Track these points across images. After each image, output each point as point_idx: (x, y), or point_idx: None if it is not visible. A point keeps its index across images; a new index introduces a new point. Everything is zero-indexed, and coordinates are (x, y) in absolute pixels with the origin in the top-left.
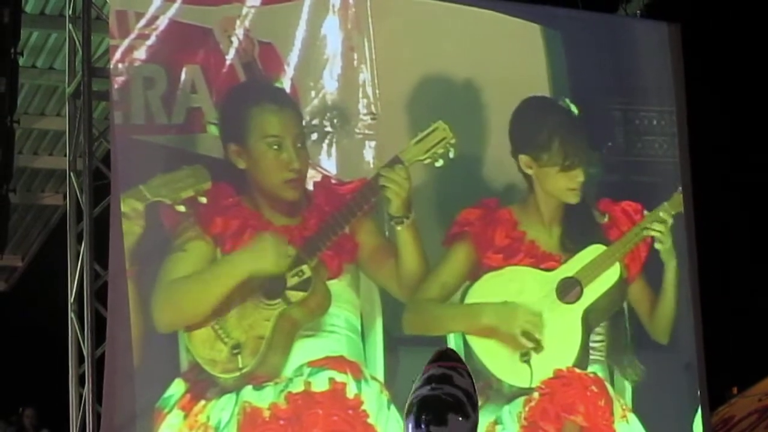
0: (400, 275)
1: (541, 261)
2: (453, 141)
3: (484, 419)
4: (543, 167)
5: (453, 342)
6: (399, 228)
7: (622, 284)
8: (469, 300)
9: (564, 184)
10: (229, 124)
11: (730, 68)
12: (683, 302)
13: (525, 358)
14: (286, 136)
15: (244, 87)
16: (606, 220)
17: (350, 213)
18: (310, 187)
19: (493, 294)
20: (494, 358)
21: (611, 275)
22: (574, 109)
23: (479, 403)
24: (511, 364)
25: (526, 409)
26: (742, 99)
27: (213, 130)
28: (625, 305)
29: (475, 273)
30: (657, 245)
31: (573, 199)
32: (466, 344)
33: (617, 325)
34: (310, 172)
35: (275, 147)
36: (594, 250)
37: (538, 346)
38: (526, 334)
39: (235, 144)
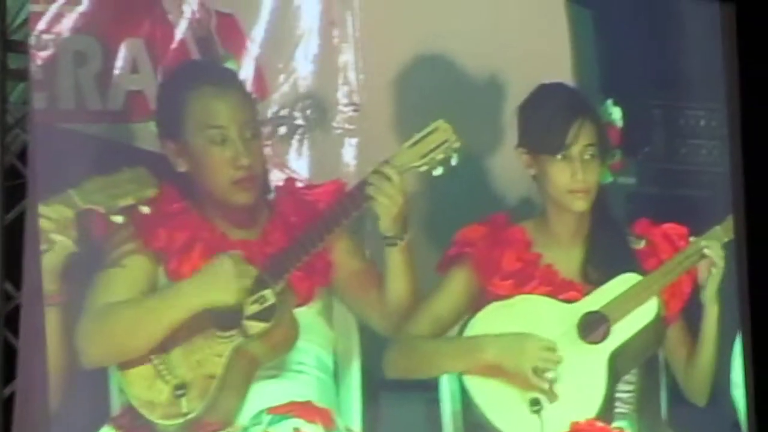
0: (385, 306)
1: (560, 290)
2: (456, 145)
3: None
4: (540, 155)
5: (447, 386)
6: (390, 250)
7: (659, 324)
8: (469, 334)
9: (565, 182)
10: (166, 116)
11: None
12: (727, 354)
13: (535, 407)
14: (231, 125)
15: (185, 68)
16: (642, 245)
17: (326, 227)
18: (272, 192)
19: (499, 328)
20: (498, 406)
21: (647, 312)
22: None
23: None
24: (519, 415)
25: None
26: None
27: (151, 125)
28: (660, 352)
29: (477, 304)
30: (702, 280)
31: (579, 204)
32: (463, 389)
33: (651, 374)
34: (276, 174)
35: (218, 141)
36: (626, 281)
37: (552, 393)
38: (538, 372)
39: (172, 141)
